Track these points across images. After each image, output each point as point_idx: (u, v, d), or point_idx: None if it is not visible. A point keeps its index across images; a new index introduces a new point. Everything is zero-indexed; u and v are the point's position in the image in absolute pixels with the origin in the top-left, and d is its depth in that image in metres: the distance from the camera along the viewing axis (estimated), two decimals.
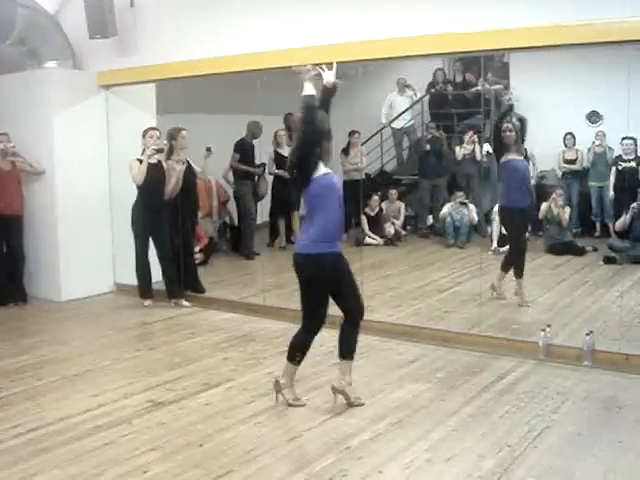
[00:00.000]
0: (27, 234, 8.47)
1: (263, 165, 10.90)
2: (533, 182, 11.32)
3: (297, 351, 5.02)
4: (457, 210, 11.19)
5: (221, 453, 4.34)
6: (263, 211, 11.34)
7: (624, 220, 9.80)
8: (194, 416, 4.93)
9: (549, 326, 6.12)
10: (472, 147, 11.45)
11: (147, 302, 8.17)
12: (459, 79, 12.84)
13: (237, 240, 11.31)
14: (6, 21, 8.09)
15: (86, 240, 8.53)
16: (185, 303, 8.15)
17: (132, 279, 8.27)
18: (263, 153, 10.77)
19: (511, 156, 7.45)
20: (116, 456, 4.31)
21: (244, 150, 10.66)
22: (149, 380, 5.68)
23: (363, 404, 5.03)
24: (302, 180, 4.74)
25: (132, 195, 7.88)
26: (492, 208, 9.90)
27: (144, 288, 8.20)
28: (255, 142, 10.66)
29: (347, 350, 5.01)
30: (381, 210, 11.90)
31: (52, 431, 4.71)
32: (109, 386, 5.56)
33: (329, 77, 4.98)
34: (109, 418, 4.91)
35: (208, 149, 8.36)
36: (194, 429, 4.71)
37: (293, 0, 7.07)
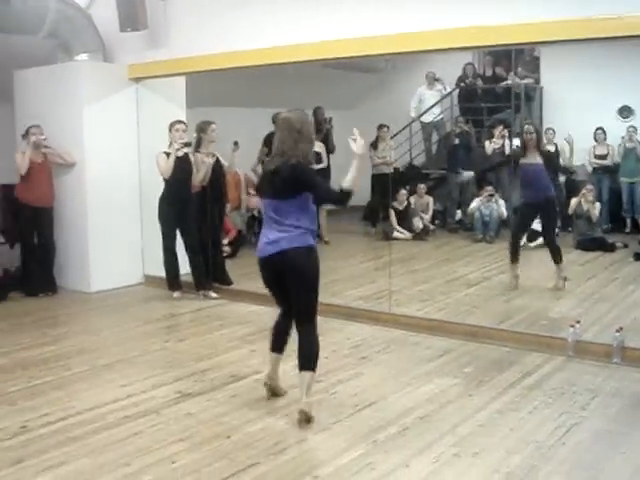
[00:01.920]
0: (57, 226, 8.55)
1: None
2: (563, 178, 11.28)
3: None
4: (486, 205, 11.13)
5: (248, 445, 4.35)
6: None
7: None
8: (222, 408, 4.95)
9: (578, 322, 6.08)
10: (502, 142, 11.36)
11: (176, 294, 8.21)
12: (489, 73, 12.74)
13: None
14: (38, 14, 8.14)
15: (116, 232, 8.60)
16: (213, 295, 8.18)
17: (161, 271, 8.32)
18: None
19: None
20: (144, 446, 4.34)
21: (272, 143, 10.60)
22: (177, 371, 5.71)
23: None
24: None
25: (161, 187, 7.91)
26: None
27: (172, 280, 8.24)
28: None
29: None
30: (409, 204, 11.86)
31: (81, 420, 4.75)
32: (137, 377, 5.59)
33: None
34: (137, 408, 4.95)
35: (235, 143, 8.37)
36: (222, 421, 4.73)
37: None
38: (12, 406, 5.04)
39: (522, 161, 7.79)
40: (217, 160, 8.23)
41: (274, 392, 5.03)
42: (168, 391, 5.28)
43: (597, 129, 11.36)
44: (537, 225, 8.80)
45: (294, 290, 4.71)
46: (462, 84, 12.81)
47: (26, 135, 8.25)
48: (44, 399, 5.16)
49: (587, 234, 10.38)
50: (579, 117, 11.09)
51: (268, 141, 10.60)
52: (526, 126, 7.92)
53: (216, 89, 9.45)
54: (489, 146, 11.45)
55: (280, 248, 4.61)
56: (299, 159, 4.63)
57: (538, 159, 7.70)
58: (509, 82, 11.85)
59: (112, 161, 8.54)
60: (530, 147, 7.75)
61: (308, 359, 4.64)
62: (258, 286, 7.90)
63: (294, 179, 4.58)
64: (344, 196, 4.61)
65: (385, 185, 10.94)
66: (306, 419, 4.59)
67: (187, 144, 7.89)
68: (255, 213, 11.77)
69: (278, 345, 4.99)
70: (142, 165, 8.78)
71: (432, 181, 13.02)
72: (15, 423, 4.71)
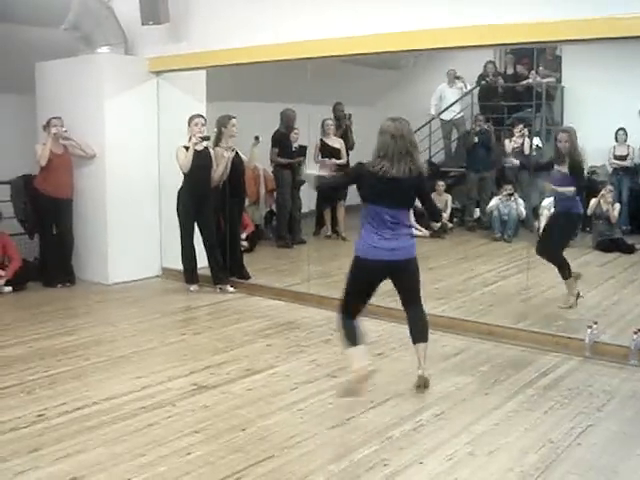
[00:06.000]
0: (76, 217, 8.60)
1: (303, 148, 10.83)
2: None
3: None
4: (505, 204, 11.09)
5: (263, 438, 4.36)
6: (311, 200, 11.33)
7: None
8: (237, 401, 4.97)
9: (596, 323, 6.04)
10: (522, 140, 11.32)
11: (193, 287, 8.24)
12: (510, 71, 12.72)
13: None
14: (60, 7, 8.19)
15: (134, 225, 8.63)
16: (230, 289, 8.20)
17: (179, 264, 8.35)
18: (310, 141, 10.70)
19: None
20: (159, 437, 4.37)
21: (280, 142, 10.63)
22: (193, 364, 5.74)
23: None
24: None
25: (181, 181, 7.94)
26: (540, 202, 9.77)
27: (189, 273, 8.28)
28: (302, 129, 10.56)
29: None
30: None
31: (98, 410, 4.78)
32: (154, 368, 5.62)
33: None
34: (153, 400, 4.97)
35: (256, 138, 8.36)
36: (237, 414, 4.74)
37: None
38: (29, 395, 5.07)
39: (555, 167, 7.30)
40: (236, 154, 8.25)
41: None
42: (184, 383, 5.30)
43: (618, 129, 11.30)
44: None
45: (405, 286, 5.13)
46: (483, 82, 12.78)
47: (47, 126, 8.29)
48: (61, 388, 5.19)
49: (606, 235, 10.33)
50: (600, 117, 11.02)
51: (276, 141, 10.62)
52: (559, 134, 7.48)
53: (236, 83, 9.47)
54: (509, 145, 11.44)
55: (398, 257, 4.94)
56: (421, 169, 5.02)
57: (564, 168, 7.13)
58: (530, 81, 11.79)
59: (132, 154, 8.58)
60: (560, 154, 7.17)
61: (422, 332, 5.17)
62: (275, 281, 7.96)
63: (420, 189, 5.00)
64: (440, 216, 5.88)
65: None
66: (425, 384, 5.10)
67: (205, 138, 7.91)
68: (273, 208, 11.80)
69: (362, 337, 5.03)
70: (162, 158, 8.80)
71: (451, 179, 12.99)
72: (32, 412, 4.74)
